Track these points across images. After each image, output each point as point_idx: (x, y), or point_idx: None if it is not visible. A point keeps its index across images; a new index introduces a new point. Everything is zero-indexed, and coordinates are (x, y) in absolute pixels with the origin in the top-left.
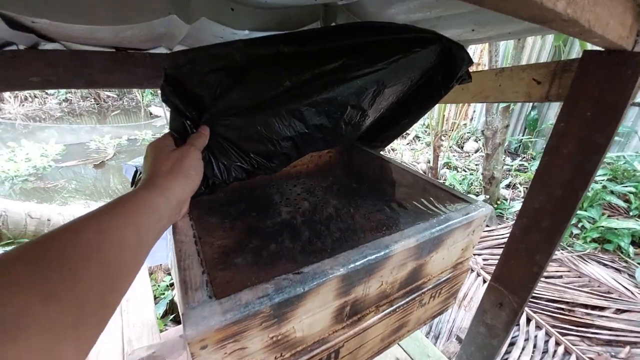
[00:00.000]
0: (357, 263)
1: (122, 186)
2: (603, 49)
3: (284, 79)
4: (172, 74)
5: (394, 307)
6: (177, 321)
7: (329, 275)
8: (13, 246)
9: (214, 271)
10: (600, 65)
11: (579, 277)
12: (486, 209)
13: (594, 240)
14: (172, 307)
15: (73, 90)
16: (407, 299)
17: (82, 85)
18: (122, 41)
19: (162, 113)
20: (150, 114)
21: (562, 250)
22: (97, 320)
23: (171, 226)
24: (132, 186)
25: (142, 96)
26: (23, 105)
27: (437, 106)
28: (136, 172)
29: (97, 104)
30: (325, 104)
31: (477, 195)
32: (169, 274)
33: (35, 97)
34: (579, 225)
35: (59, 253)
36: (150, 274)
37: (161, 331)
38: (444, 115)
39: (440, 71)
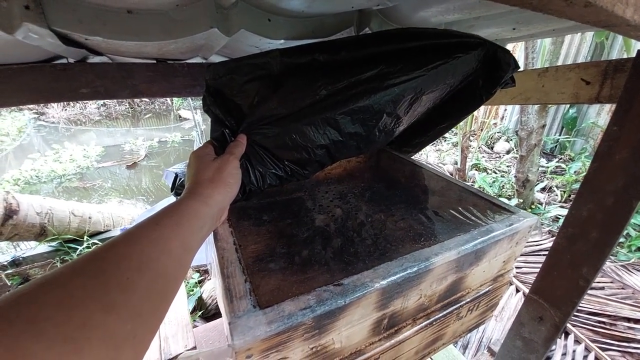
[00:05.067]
0: (397, 276)
1: (152, 186)
2: None
3: (319, 87)
4: (213, 85)
5: (431, 320)
6: (205, 317)
7: (369, 287)
8: (57, 242)
9: (253, 277)
10: None
11: (622, 288)
12: (531, 219)
13: (639, 249)
14: (200, 304)
15: None
16: (445, 312)
17: (127, 96)
18: (164, 54)
19: (190, 116)
20: (180, 116)
21: None
22: (151, 327)
23: (212, 232)
24: (171, 191)
25: (172, 100)
26: (66, 109)
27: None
28: (176, 177)
29: (131, 108)
30: (361, 112)
31: (509, 199)
32: (198, 272)
33: (77, 102)
34: (624, 232)
35: (116, 264)
36: None
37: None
38: (472, 114)
39: (482, 76)
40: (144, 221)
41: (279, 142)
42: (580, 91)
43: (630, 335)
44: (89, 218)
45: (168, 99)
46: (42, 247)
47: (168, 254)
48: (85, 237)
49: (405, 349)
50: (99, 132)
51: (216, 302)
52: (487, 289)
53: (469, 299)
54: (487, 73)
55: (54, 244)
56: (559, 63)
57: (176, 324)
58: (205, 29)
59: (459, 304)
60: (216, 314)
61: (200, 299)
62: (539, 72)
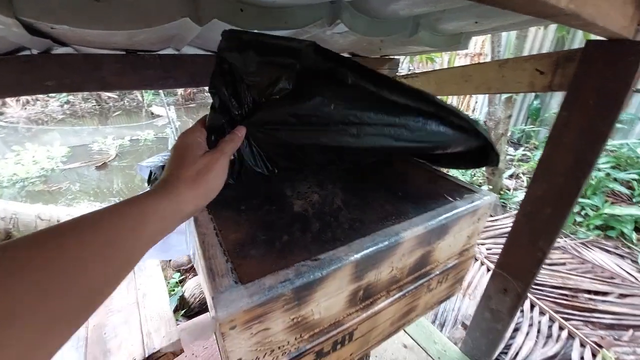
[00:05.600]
0: (370, 249)
1: (125, 186)
2: (605, 39)
3: (343, 116)
4: (227, 58)
5: (404, 292)
6: (188, 316)
7: (344, 261)
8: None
9: (234, 261)
10: (603, 54)
11: (582, 263)
12: (490, 197)
13: (597, 228)
14: (182, 303)
15: None
16: (416, 284)
17: (95, 88)
18: (134, 44)
19: (163, 112)
20: (152, 113)
21: (566, 237)
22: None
23: (193, 219)
24: (148, 184)
25: (143, 96)
26: (25, 108)
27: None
28: (151, 173)
29: (99, 105)
30: (365, 152)
31: (480, 186)
32: (178, 271)
33: (38, 100)
34: (582, 213)
35: (67, 247)
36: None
37: None
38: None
39: (470, 154)
40: (108, 208)
41: (279, 149)
42: (535, 80)
43: (590, 306)
44: (57, 221)
45: (138, 95)
46: None
47: (130, 247)
48: None
49: (381, 319)
50: (64, 132)
51: (199, 300)
52: (454, 262)
53: (437, 272)
54: (476, 155)
55: None
56: None
57: (158, 319)
58: (176, 18)
59: (429, 277)
60: (200, 312)
61: (182, 298)
62: (500, 63)
